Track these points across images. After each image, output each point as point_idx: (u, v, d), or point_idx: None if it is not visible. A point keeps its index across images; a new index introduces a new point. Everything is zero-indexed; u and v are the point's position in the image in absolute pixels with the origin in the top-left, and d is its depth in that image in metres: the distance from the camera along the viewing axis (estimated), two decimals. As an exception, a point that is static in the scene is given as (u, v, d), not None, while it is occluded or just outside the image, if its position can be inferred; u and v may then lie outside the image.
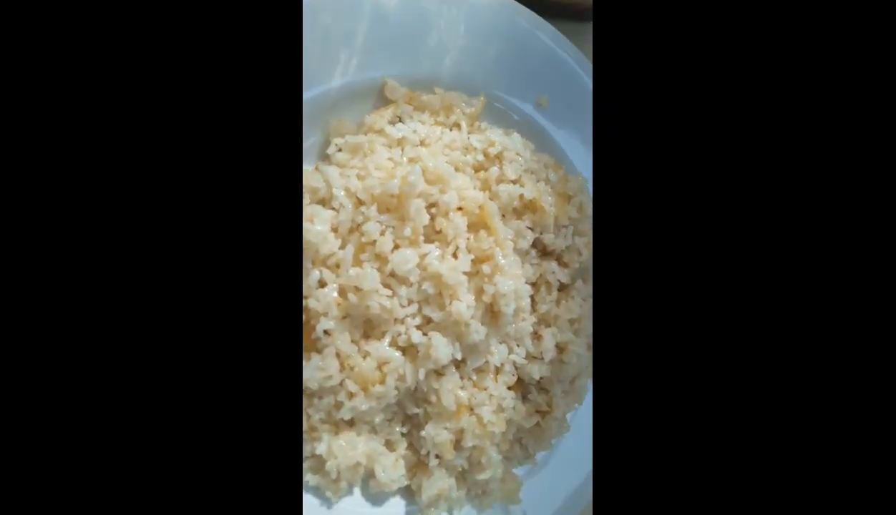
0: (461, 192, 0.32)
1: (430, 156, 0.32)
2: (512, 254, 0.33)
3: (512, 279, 0.31)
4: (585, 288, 0.37)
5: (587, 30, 0.42)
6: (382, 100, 0.34)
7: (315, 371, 0.29)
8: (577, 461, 0.36)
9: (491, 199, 0.33)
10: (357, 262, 0.30)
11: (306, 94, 0.31)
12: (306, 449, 0.30)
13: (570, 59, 0.37)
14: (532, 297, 0.35)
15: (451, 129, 0.34)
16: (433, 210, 0.32)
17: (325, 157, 0.33)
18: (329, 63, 0.32)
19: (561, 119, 0.38)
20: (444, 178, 0.31)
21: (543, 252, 0.36)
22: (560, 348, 0.35)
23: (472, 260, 0.31)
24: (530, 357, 0.34)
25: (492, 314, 0.31)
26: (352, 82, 0.33)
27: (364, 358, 0.30)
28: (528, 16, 0.36)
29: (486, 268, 0.31)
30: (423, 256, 0.30)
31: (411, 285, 0.30)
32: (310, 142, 0.33)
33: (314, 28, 0.31)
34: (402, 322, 0.30)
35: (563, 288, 0.36)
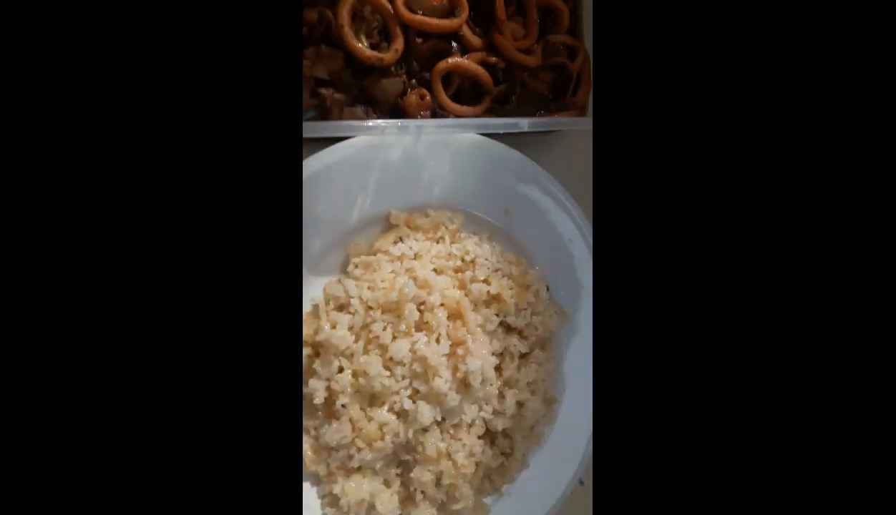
0: (443, 292, 0.43)
1: (420, 267, 0.43)
2: (482, 336, 0.44)
3: (480, 359, 0.42)
4: (542, 355, 0.47)
5: (550, 139, 0.52)
6: (388, 224, 0.45)
7: (334, 433, 0.40)
8: (537, 491, 0.48)
9: (466, 296, 0.44)
10: (365, 351, 0.41)
11: (334, 228, 0.43)
12: (325, 490, 0.43)
13: (531, 177, 0.47)
14: (499, 364, 0.46)
15: (437, 242, 0.45)
16: (422, 306, 0.43)
17: (346, 272, 0.44)
18: (349, 205, 0.43)
19: (523, 222, 0.48)
20: (431, 284, 0.42)
21: (507, 328, 0.47)
22: (520, 404, 0.46)
23: (451, 345, 0.42)
24: (496, 412, 0.45)
25: (465, 385, 0.42)
26: (366, 216, 0.44)
27: (369, 421, 0.41)
28: (499, 147, 0.46)
29: (460, 351, 0.42)
30: (413, 343, 0.42)
31: (405, 365, 0.42)
32: (336, 260, 0.45)
33: (338, 182, 0.42)
34: (398, 393, 0.41)
35: (523, 356, 0.47)
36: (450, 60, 0.43)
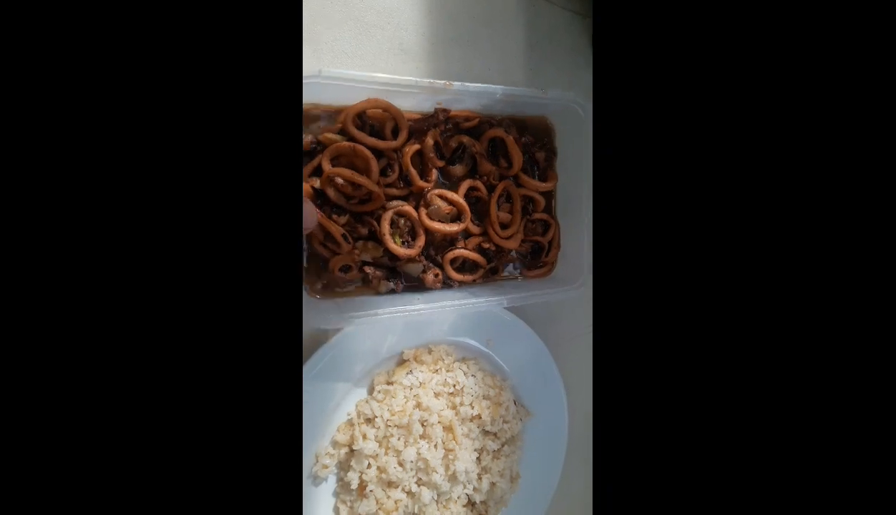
0: (439, 413, 0.61)
1: (424, 394, 0.61)
2: (466, 442, 0.63)
3: (464, 462, 0.61)
4: (509, 449, 0.66)
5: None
6: (402, 359, 0.63)
7: (364, 507, 0.59)
8: None
9: (456, 414, 0.62)
10: (385, 454, 0.60)
11: (369, 358, 0.61)
12: None
13: (506, 322, 0.65)
14: (478, 457, 0.65)
15: (437, 372, 0.63)
16: (425, 423, 0.61)
17: (371, 394, 0.62)
18: (380, 344, 0.61)
19: (500, 348, 0.66)
20: (431, 409, 0.61)
21: (485, 432, 0.66)
22: (492, 484, 0.65)
23: (445, 451, 0.61)
24: (475, 490, 0.64)
25: (454, 477, 0.61)
26: (388, 353, 0.62)
27: (388, 499, 0.60)
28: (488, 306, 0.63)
29: (451, 455, 0.61)
30: (418, 449, 0.60)
31: (412, 463, 0.60)
32: (365, 382, 0.62)
33: (376, 330, 0.60)
34: (407, 482, 0.60)
35: (496, 450, 0.66)
36: (456, 251, 0.60)
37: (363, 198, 0.56)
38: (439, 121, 0.58)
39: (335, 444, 0.60)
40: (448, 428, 0.62)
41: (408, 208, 0.58)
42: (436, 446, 0.61)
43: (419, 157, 0.58)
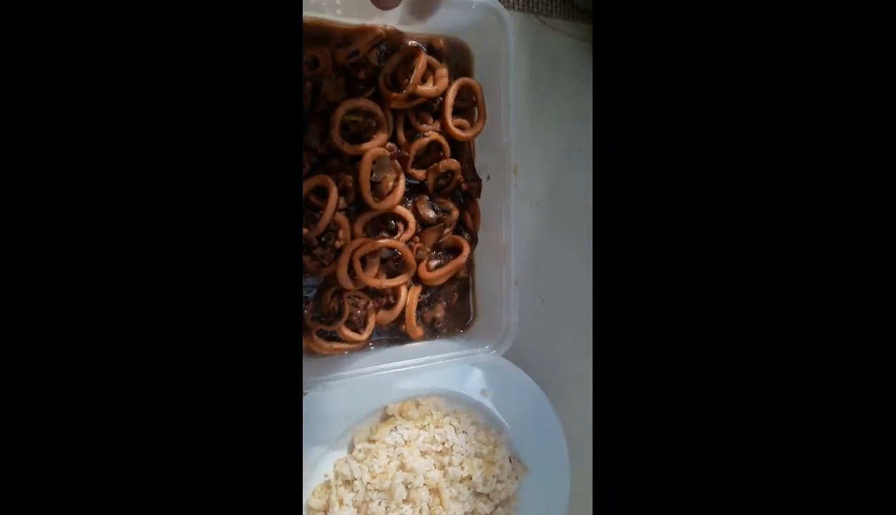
0: (426, 475, 0.55)
1: (409, 454, 0.55)
2: (455, 505, 0.57)
3: None
4: (504, 511, 0.60)
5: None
6: (385, 414, 0.58)
7: None
8: None
9: (444, 475, 0.56)
10: None
11: (350, 416, 0.56)
12: None
13: (501, 369, 0.59)
14: None
15: (424, 428, 0.58)
16: (409, 486, 0.55)
17: (351, 454, 0.57)
18: (360, 403, 0.56)
19: (497, 400, 0.60)
20: (416, 470, 0.55)
21: (476, 494, 0.60)
22: None
23: None
24: None
25: None
26: (370, 412, 0.57)
27: None
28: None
29: None
30: None
31: None
32: (345, 439, 0.57)
33: (354, 390, 0.55)
34: None
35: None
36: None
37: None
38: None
39: (309, 510, 0.55)
40: (435, 491, 0.56)
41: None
42: (420, 511, 0.55)
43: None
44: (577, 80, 0.66)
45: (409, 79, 0.51)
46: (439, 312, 0.59)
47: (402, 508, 0.55)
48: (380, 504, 0.54)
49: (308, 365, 0.52)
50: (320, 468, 0.56)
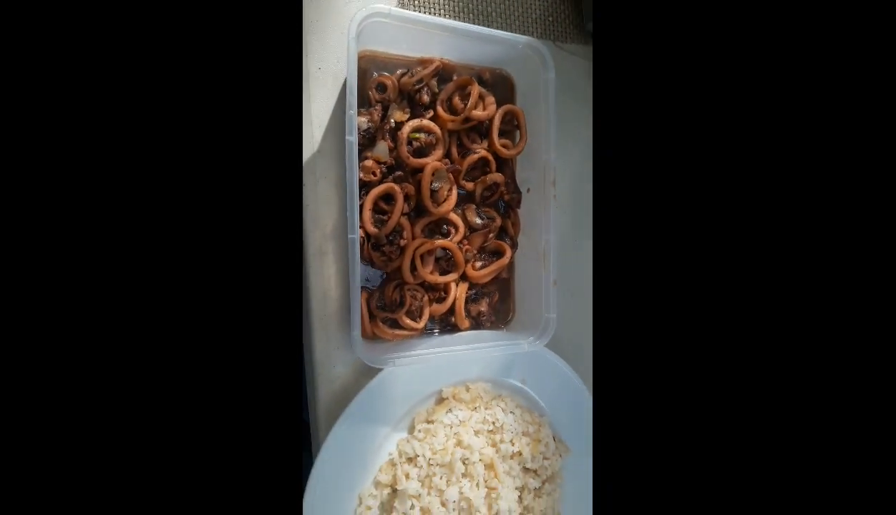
0: (480, 451, 0.61)
1: (465, 432, 0.62)
2: (508, 479, 0.63)
3: (507, 500, 0.61)
4: (550, 487, 0.66)
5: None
6: (440, 398, 0.64)
7: None
8: None
9: (496, 452, 0.62)
10: (428, 494, 0.60)
11: (411, 398, 0.62)
12: None
13: (540, 357, 0.66)
14: (519, 498, 0.65)
15: (476, 410, 0.64)
16: (466, 461, 0.61)
17: (412, 433, 0.63)
18: (417, 387, 0.62)
19: (535, 384, 0.67)
20: (472, 447, 0.61)
21: (526, 469, 0.66)
22: None
23: (487, 490, 0.61)
24: None
25: None
26: (426, 396, 0.63)
27: None
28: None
29: (493, 494, 0.61)
30: (461, 488, 0.60)
31: (455, 503, 0.60)
32: (405, 422, 0.63)
33: (413, 373, 0.61)
34: None
35: (537, 489, 0.66)
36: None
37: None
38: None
39: (378, 485, 0.60)
40: (489, 466, 0.62)
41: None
42: (477, 485, 0.61)
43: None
44: (589, 98, 0.76)
45: (464, 104, 0.60)
46: (483, 307, 0.66)
47: (461, 482, 0.60)
48: (441, 478, 0.60)
49: (375, 349, 0.58)
50: (385, 448, 0.62)
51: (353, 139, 0.52)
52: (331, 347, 0.61)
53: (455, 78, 0.62)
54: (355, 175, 0.53)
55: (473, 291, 0.66)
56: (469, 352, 0.61)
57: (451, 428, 0.62)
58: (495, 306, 0.68)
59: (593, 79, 0.38)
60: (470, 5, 0.67)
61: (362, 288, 0.58)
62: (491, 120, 0.63)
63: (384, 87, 0.60)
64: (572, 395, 0.68)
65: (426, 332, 0.64)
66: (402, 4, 0.63)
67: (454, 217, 0.63)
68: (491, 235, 0.66)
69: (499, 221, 0.66)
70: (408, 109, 0.60)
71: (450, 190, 0.62)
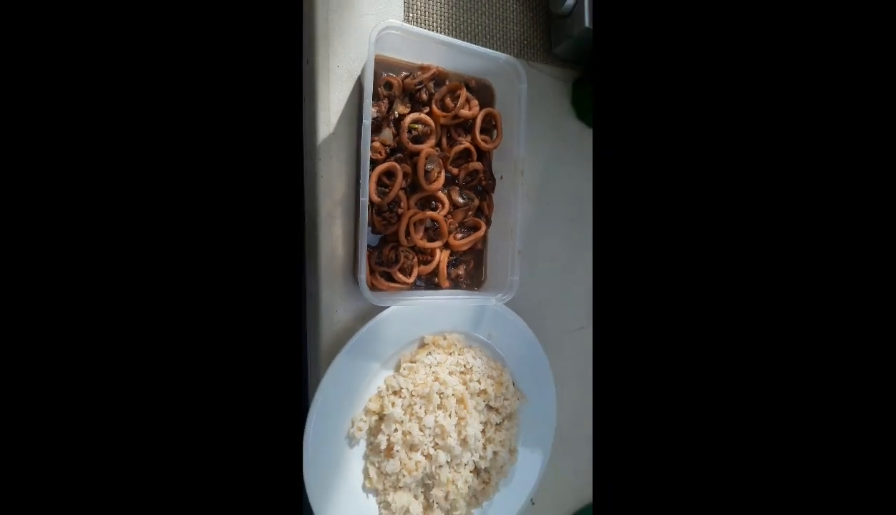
0: (454, 388, 0.74)
1: (441, 371, 0.74)
2: (475, 413, 0.76)
3: (472, 428, 0.73)
4: (509, 424, 0.79)
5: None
6: (423, 342, 0.77)
7: (390, 465, 0.70)
8: (503, 506, 0.79)
9: (466, 389, 0.75)
10: (409, 420, 0.72)
11: (399, 341, 0.74)
12: (381, 499, 0.72)
13: (505, 317, 0.80)
14: (483, 429, 0.77)
15: (451, 355, 0.77)
16: (441, 395, 0.74)
17: (398, 371, 0.75)
18: (404, 333, 0.75)
19: (500, 340, 0.81)
20: (447, 383, 0.74)
21: (489, 407, 0.79)
22: (495, 453, 0.77)
23: (457, 418, 0.74)
24: (481, 457, 0.76)
25: (465, 442, 0.74)
26: (411, 341, 0.76)
27: (410, 460, 0.72)
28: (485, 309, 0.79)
29: (462, 423, 0.74)
30: (436, 417, 0.73)
31: (431, 429, 0.72)
32: (392, 362, 0.75)
33: (404, 317, 0.74)
34: (426, 445, 0.72)
35: (498, 424, 0.79)
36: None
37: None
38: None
39: (367, 412, 0.72)
40: (460, 400, 0.75)
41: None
42: (450, 415, 0.74)
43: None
44: (556, 109, 0.91)
45: (454, 104, 0.75)
46: (461, 271, 0.80)
47: (437, 411, 0.73)
48: (420, 407, 0.72)
49: (374, 297, 0.71)
50: (374, 383, 0.74)
51: (367, 122, 0.66)
52: (335, 296, 0.73)
53: (448, 83, 0.76)
54: (367, 152, 0.66)
55: (454, 257, 0.80)
56: (449, 300, 0.74)
57: (431, 367, 0.75)
58: (471, 271, 0.81)
59: (594, 78, 0.45)
60: (462, 25, 0.82)
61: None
62: (474, 119, 0.78)
63: (390, 85, 0.73)
64: (528, 350, 0.82)
65: (414, 288, 0.77)
66: (408, 20, 0.78)
67: (441, 195, 0.77)
68: (470, 213, 0.80)
69: (476, 202, 0.80)
70: (409, 104, 0.74)
71: (439, 172, 0.76)
